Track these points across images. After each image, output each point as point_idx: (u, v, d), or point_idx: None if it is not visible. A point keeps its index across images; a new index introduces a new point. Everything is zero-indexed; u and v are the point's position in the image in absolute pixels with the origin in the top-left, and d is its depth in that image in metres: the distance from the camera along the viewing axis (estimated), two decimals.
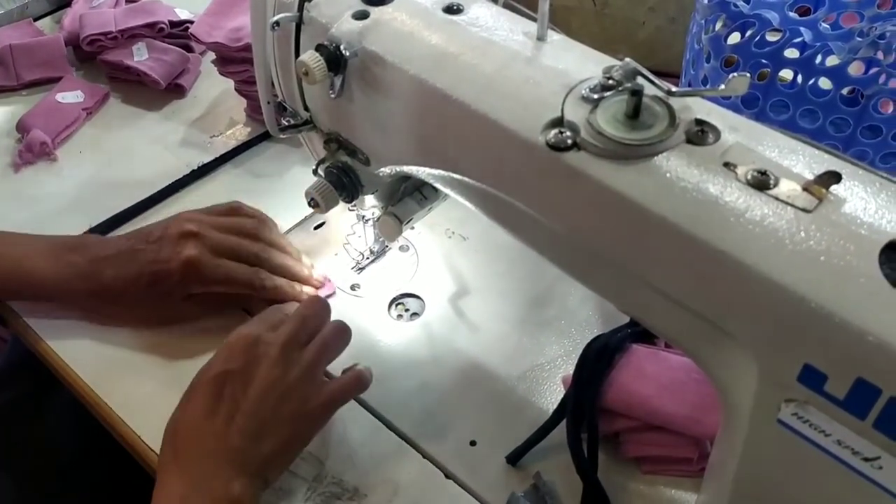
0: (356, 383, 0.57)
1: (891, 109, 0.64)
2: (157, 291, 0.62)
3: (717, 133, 0.39)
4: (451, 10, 0.48)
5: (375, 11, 0.49)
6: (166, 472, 0.51)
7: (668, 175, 0.38)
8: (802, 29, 0.64)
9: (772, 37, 0.67)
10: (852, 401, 0.33)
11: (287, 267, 0.66)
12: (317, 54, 0.48)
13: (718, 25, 0.68)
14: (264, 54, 0.53)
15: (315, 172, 0.59)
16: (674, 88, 0.40)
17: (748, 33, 0.66)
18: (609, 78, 0.41)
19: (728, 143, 0.39)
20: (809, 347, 0.34)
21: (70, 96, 0.89)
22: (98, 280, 0.63)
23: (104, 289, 0.63)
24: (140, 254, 0.62)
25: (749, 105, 0.68)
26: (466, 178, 0.46)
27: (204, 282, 0.62)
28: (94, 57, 0.95)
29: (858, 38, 0.59)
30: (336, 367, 0.65)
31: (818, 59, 0.64)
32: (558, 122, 0.41)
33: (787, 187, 0.36)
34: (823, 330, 0.33)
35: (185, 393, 0.54)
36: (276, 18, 0.50)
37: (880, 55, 0.60)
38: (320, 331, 0.57)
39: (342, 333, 0.58)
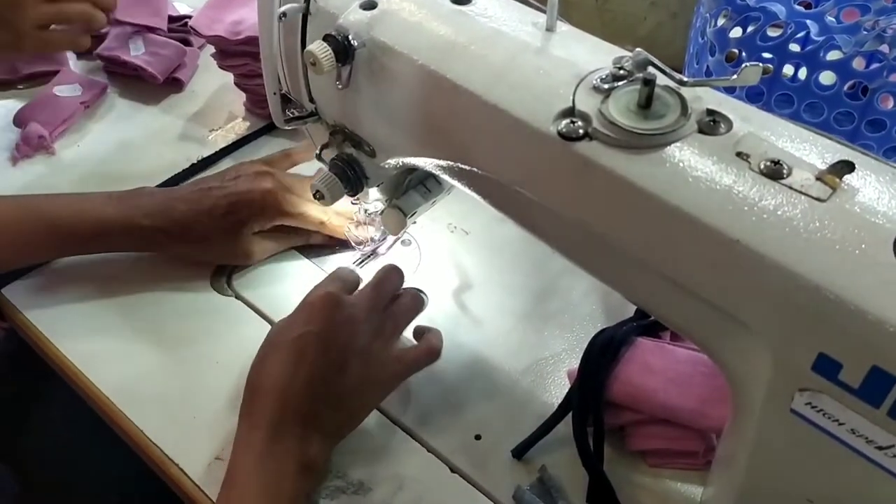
0: (429, 354, 0.59)
1: (891, 104, 0.65)
2: (231, 221, 0.65)
3: (729, 123, 0.39)
4: (460, 0, 0.48)
5: (383, 2, 0.49)
6: (246, 427, 0.52)
7: (680, 165, 0.38)
8: (808, 22, 0.64)
9: (773, 32, 0.68)
10: (867, 389, 0.33)
11: (345, 212, 0.69)
12: (325, 44, 0.47)
13: (721, 20, 0.68)
14: (271, 45, 0.52)
15: (318, 157, 0.59)
16: (685, 78, 0.40)
17: (751, 28, 0.67)
18: (620, 68, 0.41)
19: (740, 133, 0.39)
20: (824, 336, 0.34)
21: (67, 90, 0.88)
22: (168, 216, 0.65)
23: (174, 223, 0.65)
24: (216, 190, 0.65)
25: (754, 99, 0.68)
26: (476, 169, 0.46)
27: (281, 213, 0.66)
28: (91, 50, 0.94)
29: (865, 32, 0.60)
30: None
31: (821, 53, 0.65)
32: (570, 112, 0.41)
33: (800, 177, 0.36)
34: (839, 318, 0.33)
35: (263, 346, 0.55)
36: (283, 9, 0.50)
37: (885, 48, 0.60)
38: (394, 295, 0.60)
39: (419, 301, 0.61)
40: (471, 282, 0.70)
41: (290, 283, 0.69)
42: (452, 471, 0.56)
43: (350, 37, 0.48)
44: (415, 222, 0.69)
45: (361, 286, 0.59)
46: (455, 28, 0.47)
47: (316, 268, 0.71)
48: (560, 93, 0.42)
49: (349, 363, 0.53)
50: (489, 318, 0.67)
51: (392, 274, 0.60)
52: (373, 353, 0.55)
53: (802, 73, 0.66)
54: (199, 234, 0.65)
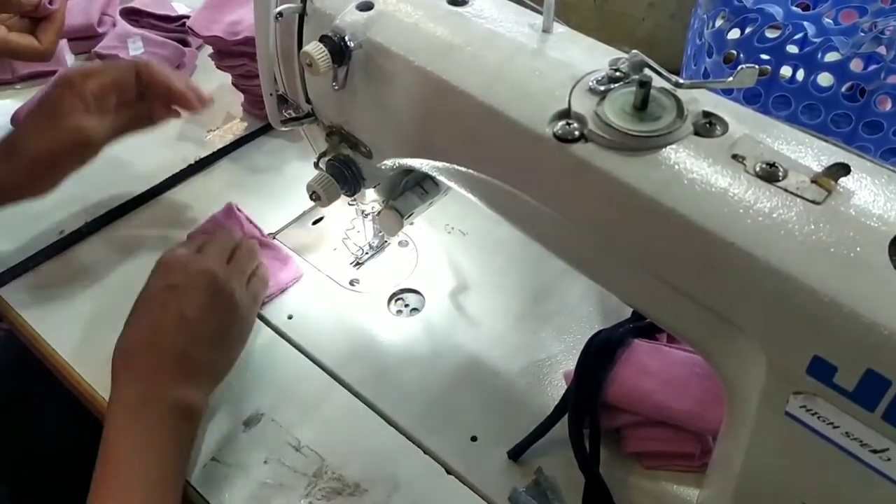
0: (266, 285, 0.66)
1: (889, 106, 0.65)
2: (48, 113, 0.66)
3: (725, 125, 0.39)
4: (456, 1, 0.48)
5: (380, 2, 0.49)
6: (118, 388, 0.53)
7: (676, 167, 0.38)
8: (806, 23, 0.64)
9: (771, 33, 0.68)
10: (861, 392, 0.33)
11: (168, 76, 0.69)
12: (321, 45, 0.47)
13: (719, 21, 0.68)
14: (267, 45, 0.52)
15: (316, 166, 0.59)
16: (681, 80, 0.40)
17: (749, 29, 0.66)
18: (616, 70, 0.41)
19: (736, 136, 0.39)
20: (819, 339, 0.34)
21: None
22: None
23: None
24: None
25: (751, 101, 0.68)
26: (472, 171, 0.46)
27: (86, 74, 0.66)
28: (89, 50, 0.94)
29: (862, 33, 0.59)
30: (335, 363, 0.64)
31: (819, 54, 0.64)
32: (565, 114, 0.41)
33: (795, 179, 0.36)
34: (833, 321, 0.33)
35: (129, 315, 0.57)
36: (279, 9, 0.50)
37: (882, 50, 0.60)
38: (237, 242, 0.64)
39: (256, 249, 0.66)
40: (468, 283, 0.70)
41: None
42: (448, 472, 0.56)
43: (346, 38, 0.48)
44: (412, 223, 0.69)
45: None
46: (451, 29, 0.47)
47: (311, 267, 0.71)
48: (556, 94, 0.41)
49: (214, 307, 0.56)
50: (486, 320, 0.67)
51: (226, 227, 0.66)
52: (232, 294, 0.58)
53: (800, 75, 0.66)
54: (27, 131, 0.66)
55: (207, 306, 0.56)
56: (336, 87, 0.50)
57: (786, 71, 0.69)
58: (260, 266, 0.65)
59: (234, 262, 0.61)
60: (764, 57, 0.66)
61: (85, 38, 0.95)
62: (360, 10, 0.49)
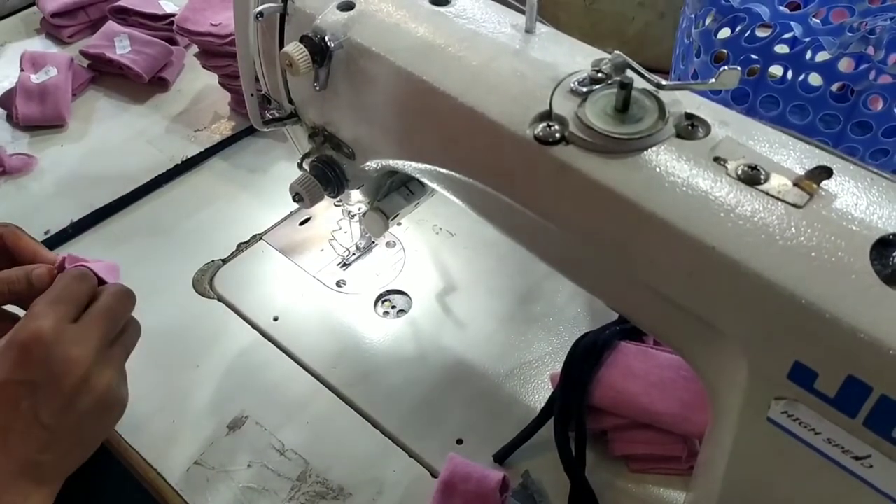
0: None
1: (880, 106, 0.64)
2: None
3: (708, 127, 0.39)
4: (438, 1, 0.48)
5: (361, 2, 0.48)
6: None
7: (657, 169, 0.37)
8: (793, 23, 0.64)
9: (762, 32, 0.67)
10: (843, 398, 0.33)
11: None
12: (301, 46, 0.47)
13: (708, 20, 0.68)
14: (248, 46, 0.52)
15: (300, 167, 0.58)
16: (664, 82, 0.39)
17: (738, 28, 0.66)
18: (598, 71, 0.41)
19: (718, 138, 0.38)
20: (800, 344, 0.33)
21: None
22: None
23: None
24: None
25: (739, 101, 0.68)
26: (452, 173, 0.45)
27: None
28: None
29: (849, 34, 0.59)
30: (320, 366, 0.64)
31: (808, 54, 0.64)
32: (546, 116, 0.40)
33: (777, 182, 0.36)
34: (814, 327, 0.32)
35: None
36: (260, 9, 0.49)
37: (871, 51, 0.59)
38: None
39: (139, 328, 0.53)
40: (455, 284, 0.69)
41: (274, 285, 0.69)
42: (433, 476, 0.56)
43: (327, 38, 0.47)
44: (399, 224, 0.69)
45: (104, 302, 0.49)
46: (433, 29, 0.46)
47: (300, 270, 0.70)
48: (537, 96, 0.41)
49: (77, 409, 0.46)
50: (473, 321, 0.66)
51: (128, 301, 0.51)
52: (105, 392, 0.47)
53: (790, 75, 0.66)
54: None
55: (69, 409, 0.45)
56: (317, 88, 0.49)
57: (775, 70, 0.69)
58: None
59: (119, 346, 0.50)
60: (753, 57, 0.66)
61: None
62: (341, 9, 0.48)
